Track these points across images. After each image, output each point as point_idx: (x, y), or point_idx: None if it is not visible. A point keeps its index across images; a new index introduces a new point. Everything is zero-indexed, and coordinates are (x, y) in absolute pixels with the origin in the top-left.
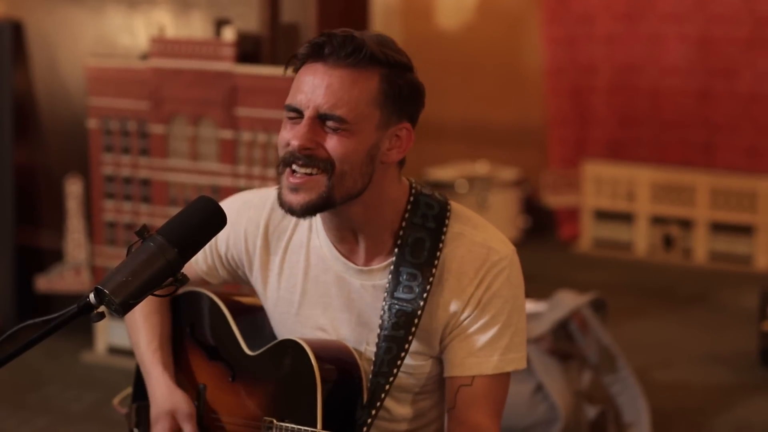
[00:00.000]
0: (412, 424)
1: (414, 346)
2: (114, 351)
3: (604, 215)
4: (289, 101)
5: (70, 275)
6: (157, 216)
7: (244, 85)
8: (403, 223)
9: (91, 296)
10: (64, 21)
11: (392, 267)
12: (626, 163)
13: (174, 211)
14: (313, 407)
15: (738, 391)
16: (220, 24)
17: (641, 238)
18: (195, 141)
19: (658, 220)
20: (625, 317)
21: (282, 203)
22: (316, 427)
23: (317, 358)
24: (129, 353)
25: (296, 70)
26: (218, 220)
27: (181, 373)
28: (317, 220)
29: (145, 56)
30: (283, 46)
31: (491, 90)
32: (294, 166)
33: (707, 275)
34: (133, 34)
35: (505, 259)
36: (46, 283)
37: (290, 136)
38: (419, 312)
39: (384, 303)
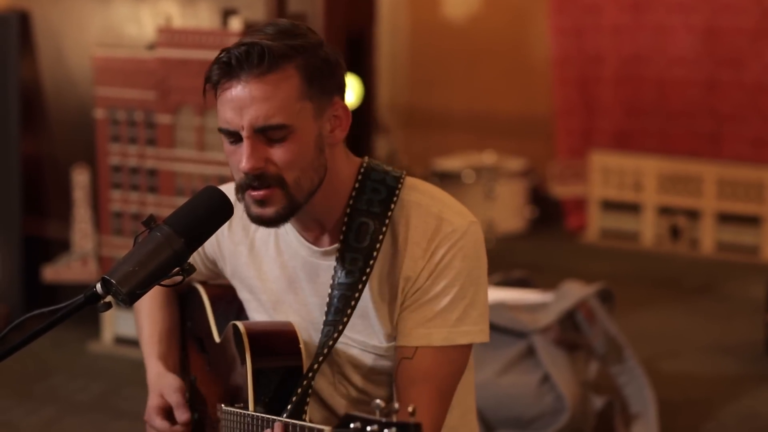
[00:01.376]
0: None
1: (384, 328)
2: (121, 341)
3: (610, 206)
4: (221, 125)
5: (76, 265)
6: (164, 206)
7: None
8: (348, 209)
9: (98, 286)
10: (71, 11)
11: (338, 253)
12: (633, 154)
13: (181, 201)
14: (246, 388)
15: (745, 381)
16: (226, 14)
17: (648, 229)
18: (202, 131)
19: (665, 211)
20: (632, 308)
21: (253, 219)
22: (249, 407)
23: (251, 339)
24: (135, 343)
25: (216, 96)
26: (225, 210)
27: (182, 368)
28: None
29: (151, 46)
30: None
31: (498, 80)
32: (251, 189)
33: (714, 266)
34: (139, 24)
35: (458, 230)
36: (52, 273)
37: (237, 161)
38: (357, 295)
39: (330, 289)
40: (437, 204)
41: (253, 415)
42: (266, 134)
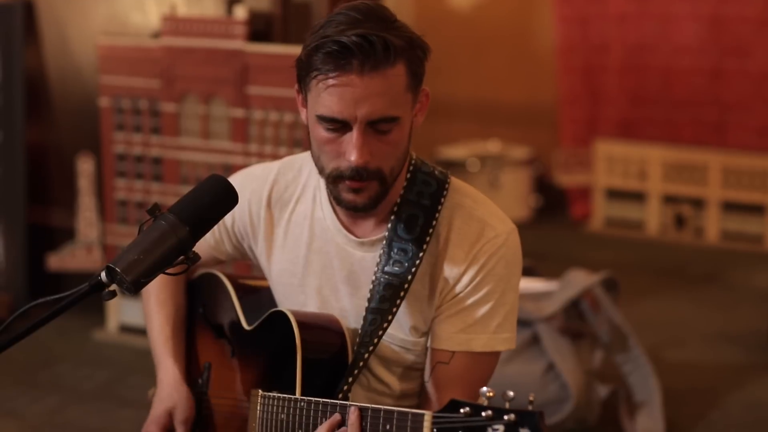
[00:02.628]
0: (414, 400)
1: (412, 321)
2: (126, 329)
3: (615, 194)
4: (325, 112)
5: (81, 254)
6: (169, 194)
7: (256, 64)
8: (398, 199)
9: (103, 275)
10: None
11: (384, 242)
12: (638, 142)
13: (185, 189)
14: (293, 375)
15: (749, 370)
16: (231, 2)
17: (653, 218)
18: (206, 119)
19: (669, 199)
20: (637, 296)
21: (345, 204)
22: (295, 395)
23: (300, 327)
24: (141, 332)
25: (311, 81)
26: (230, 199)
27: (192, 353)
28: (322, 192)
29: (156, 34)
30: (294, 24)
31: (503, 68)
32: (350, 180)
33: (719, 254)
34: (144, 12)
35: (501, 236)
36: (57, 261)
37: (337, 151)
38: (406, 286)
39: (374, 276)
40: (480, 208)
41: (305, 399)
42: (376, 126)
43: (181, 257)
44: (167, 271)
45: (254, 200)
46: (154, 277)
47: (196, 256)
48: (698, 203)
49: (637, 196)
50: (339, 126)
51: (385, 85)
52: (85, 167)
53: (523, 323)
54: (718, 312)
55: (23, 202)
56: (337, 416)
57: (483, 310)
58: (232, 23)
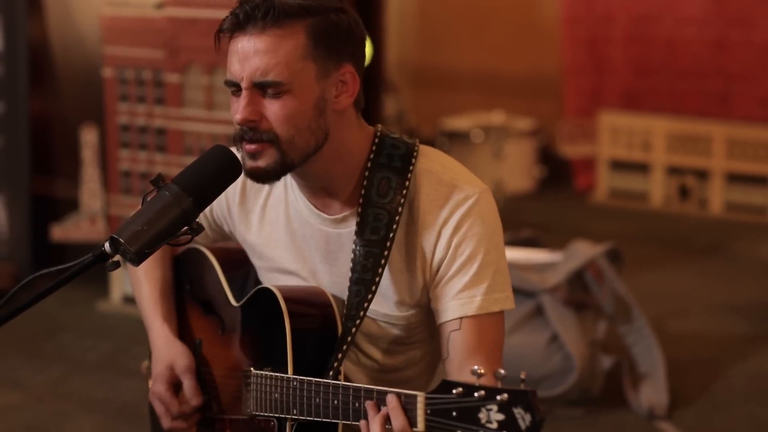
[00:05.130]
0: (403, 373)
1: (396, 295)
2: (129, 300)
3: (619, 165)
4: (226, 77)
5: (85, 224)
6: (173, 165)
7: None
8: (369, 164)
9: (107, 245)
10: None
11: (359, 209)
12: (642, 113)
13: (189, 160)
14: (284, 353)
15: (753, 341)
16: None
17: (657, 189)
18: (210, 90)
19: (674, 171)
20: (641, 267)
21: (247, 172)
22: (288, 372)
23: (287, 303)
24: None
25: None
26: (233, 169)
27: (182, 330)
28: (290, 176)
29: (160, 5)
30: None
31: (507, 39)
32: (244, 141)
33: (723, 225)
34: None
35: (471, 197)
36: (61, 232)
37: (234, 111)
38: (386, 253)
39: (354, 245)
40: (449, 172)
41: (297, 378)
42: (264, 89)
43: (185, 228)
44: (171, 242)
45: (230, 186)
46: (158, 248)
47: (200, 227)
48: (702, 174)
49: (641, 167)
50: (237, 90)
51: (271, 46)
52: (88, 138)
53: (526, 294)
54: (721, 283)
55: (27, 172)
56: (374, 405)
57: (470, 272)
58: None
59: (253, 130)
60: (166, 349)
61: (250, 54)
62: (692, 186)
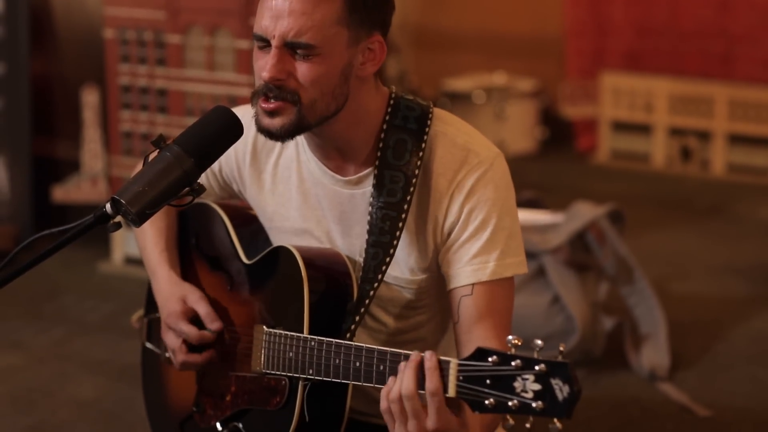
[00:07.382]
0: (409, 336)
1: (409, 259)
2: (131, 261)
3: (621, 126)
4: (255, 30)
5: (86, 185)
6: (174, 126)
7: None
8: (384, 126)
9: (108, 206)
10: None
11: (376, 171)
12: (644, 74)
13: (190, 121)
14: (300, 313)
15: (755, 302)
16: None
17: (659, 150)
18: (212, 51)
19: (676, 132)
20: (643, 228)
21: (259, 128)
22: (302, 332)
23: (306, 263)
24: None
25: None
26: (235, 130)
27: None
28: (302, 137)
29: None
30: None
31: (509, 0)
32: (263, 98)
33: (725, 187)
34: None
35: (485, 161)
36: (62, 193)
37: (260, 68)
38: (404, 216)
39: (371, 207)
40: (463, 135)
41: (315, 339)
42: (294, 49)
43: (186, 188)
44: (172, 202)
45: (240, 146)
46: (160, 209)
47: (201, 188)
48: (704, 136)
49: (643, 129)
50: (265, 45)
51: (308, 7)
52: (89, 99)
53: (528, 255)
54: (723, 244)
55: (28, 134)
56: (418, 356)
57: (483, 237)
58: None
59: (279, 89)
60: (175, 288)
61: (284, 12)
62: (694, 147)
